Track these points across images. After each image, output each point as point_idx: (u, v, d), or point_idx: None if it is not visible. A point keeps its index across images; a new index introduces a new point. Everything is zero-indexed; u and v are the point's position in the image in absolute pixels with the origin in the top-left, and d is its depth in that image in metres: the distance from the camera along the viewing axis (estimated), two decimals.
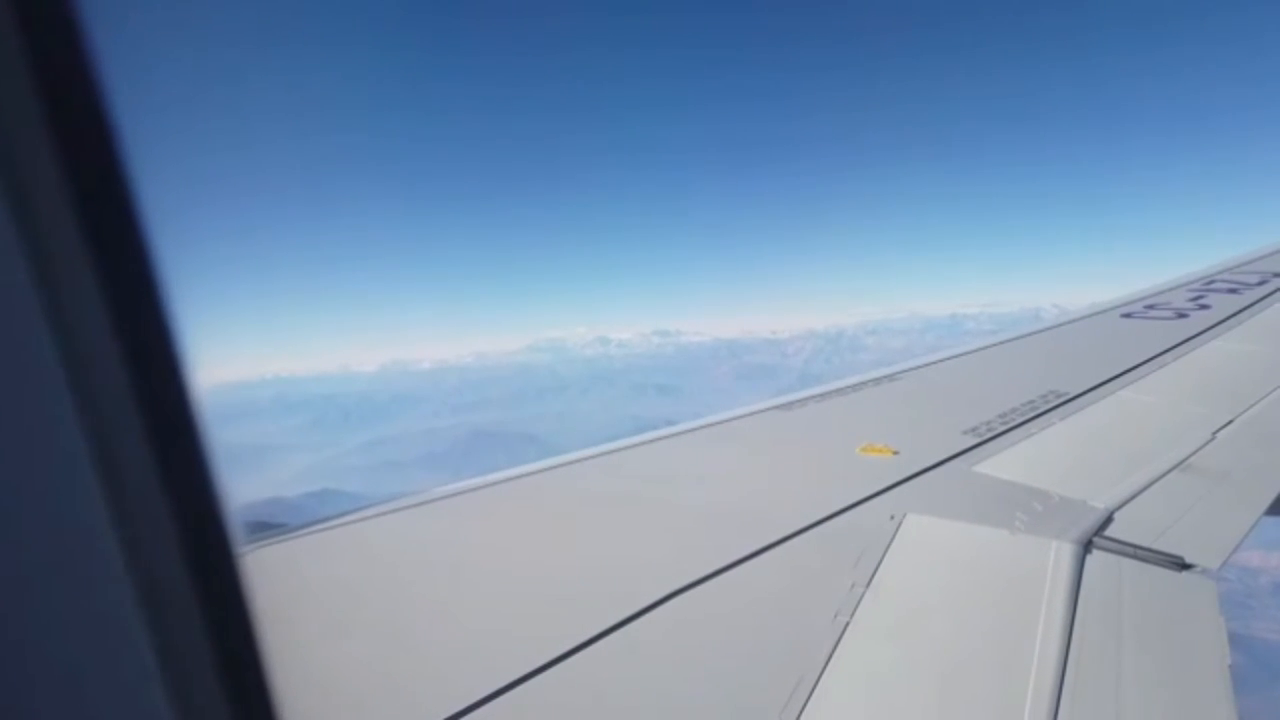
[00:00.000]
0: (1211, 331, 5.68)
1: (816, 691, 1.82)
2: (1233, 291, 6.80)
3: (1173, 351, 5.23)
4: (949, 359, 5.61)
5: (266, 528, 2.77)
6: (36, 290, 0.45)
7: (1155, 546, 2.66)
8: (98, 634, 0.50)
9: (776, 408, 4.46)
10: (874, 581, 2.33)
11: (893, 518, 2.78)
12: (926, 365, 5.43)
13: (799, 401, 4.55)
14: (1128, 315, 6.48)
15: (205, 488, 0.54)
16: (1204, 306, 6.39)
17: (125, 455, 0.49)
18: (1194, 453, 3.57)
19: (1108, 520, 2.84)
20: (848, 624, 2.10)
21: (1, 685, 0.46)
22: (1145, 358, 5.07)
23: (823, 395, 4.67)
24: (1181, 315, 6.21)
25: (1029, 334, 6.31)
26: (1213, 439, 3.76)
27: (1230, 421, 3.99)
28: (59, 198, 0.46)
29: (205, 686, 0.54)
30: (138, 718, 0.51)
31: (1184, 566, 2.56)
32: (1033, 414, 4.04)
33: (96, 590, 0.49)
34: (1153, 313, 6.45)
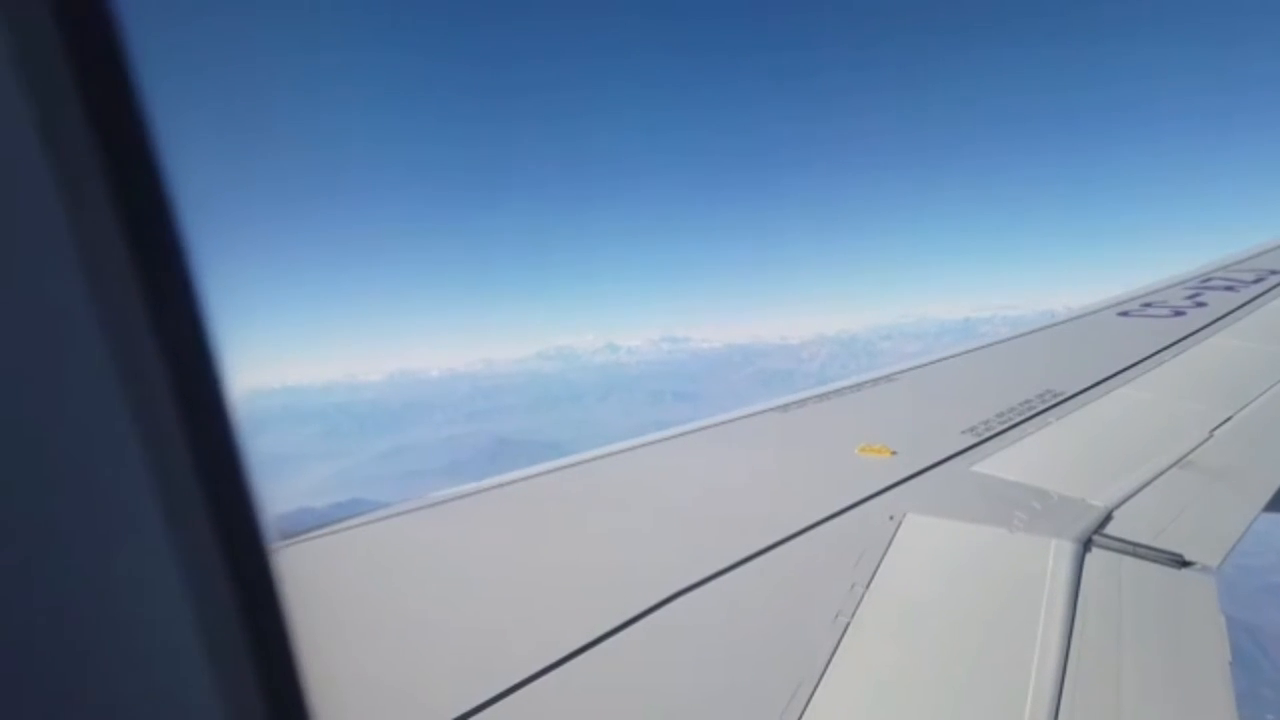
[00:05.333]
0: (1209, 329, 5.69)
1: (818, 692, 1.82)
2: (1229, 289, 6.81)
3: (1170, 349, 5.24)
4: (946, 359, 5.62)
5: (292, 535, 2.78)
6: (86, 299, 0.48)
7: (1154, 544, 2.66)
8: (144, 629, 0.52)
9: (775, 409, 4.46)
10: (874, 582, 2.33)
11: (892, 518, 2.78)
12: (924, 365, 5.44)
13: (798, 403, 4.55)
14: (1124, 314, 6.49)
15: (242, 487, 0.56)
16: (1201, 304, 6.41)
17: (170, 457, 0.52)
18: (1192, 450, 3.58)
19: (1107, 518, 2.85)
20: (848, 624, 2.10)
21: (54, 680, 0.48)
22: (1142, 356, 5.08)
23: (821, 396, 4.67)
24: (1178, 313, 6.23)
25: (1026, 333, 6.32)
26: (1211, 436, 3.76)
27: (1228, 419, 4.00)
28: (106, 206, 0.48)
29: (244, 683, 0.56)
30: (182, 708, 0.54)
31: (1184, 564, 2.56)
32: (1031, 413, 4.05)
33: (143, 592, 0.51)
34: (1150, 311, 6.47)
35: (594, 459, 3.66)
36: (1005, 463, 3.39)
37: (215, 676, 0.54)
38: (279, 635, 0.60)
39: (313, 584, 2.38)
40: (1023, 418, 3.98)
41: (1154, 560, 2.58)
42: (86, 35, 0.48)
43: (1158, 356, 5.10)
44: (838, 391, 4.77)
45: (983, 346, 5.92)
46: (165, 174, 0.51)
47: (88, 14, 0.48)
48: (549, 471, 3.50)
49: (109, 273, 0.49)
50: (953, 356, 5.70)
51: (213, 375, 0.54)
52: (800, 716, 1.74)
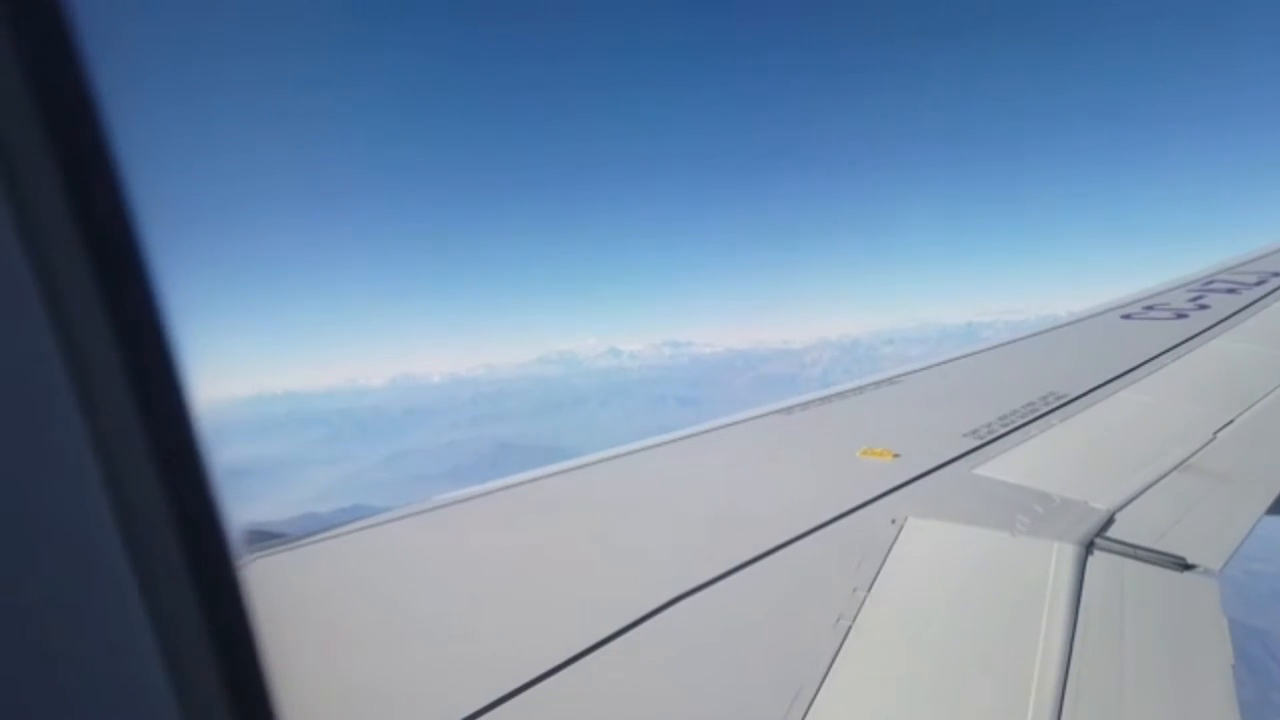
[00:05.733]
0: (1211, 331, 5.68)
1: (819, 697, 1.82)
2: (1231, 292, 6.80)
3: (1172, 352, 5.23)
4: (948, 362, 5.62)
5: (295, 540, 2.79)
6: (43, 306, 0.46)
7: (1157, 547, 2.66)
8: (102, 644, 0.51)
9: (777, 412, 4.46)
10: (876, 585, 2.33)
11: (894, 521, 2.78)
12: (926, 369, 5.44)
13: (799, 406, 4.55)
14: (1127, 316, 6.49)
15: (205, 497, 0.55)
16: (1203, 307, 6.40)
17: (129, 467, 0.50)
18: (1195, 453, 3.57)
19: (1109, 521, 2.84)
20: (850, 628, 2.10)
21: (12, 692, 0.47)
22: (1145, 358, 5.07)
23: (823, 399, 4.67)
24: (1181, 316, 6.22)
25: (1028, 336, 6.32)
26: (1213, 439, 3.76)
27: (1231, 421, 3.99)
28: (60, 212, 0.47)
29: (208, 695, 0.55)
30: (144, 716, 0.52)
31: (1186, 567, 2.55)
32: (1033, 416, 4.04)
33: (101, 599, 0.50)
34: (1152, 313, 6.46)
35: (596, 463, 3.67)
36: (1007, 466, 3.39)
37: (177, 686, 0.53)
38: (245, 645, 0.59)
39: (316, 588, 2.39)
40: (1025, 420, 3.97)
41: (1156, 563, 2.58)
42: (44, 35, 0.46)
43: (1160, 359, 5.09)
44: (839, 394, 4.77)
45: (985, 349, 5.92)
46: (125, 177, 0.50)
47: (47, 18, 0.46)
48: (551, 475, 3.50)
49: (67, 282, 0.47)
50: (955, 359, 5.70)
51: (175, 383, 0.53)
52: None
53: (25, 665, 0.47)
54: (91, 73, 0.48)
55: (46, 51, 0.47)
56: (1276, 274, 7.26)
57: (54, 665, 0.48)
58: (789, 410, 4.48)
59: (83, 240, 0.48)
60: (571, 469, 3.59)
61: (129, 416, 0.50)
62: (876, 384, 5.00)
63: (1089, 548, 2.61)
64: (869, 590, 2.30)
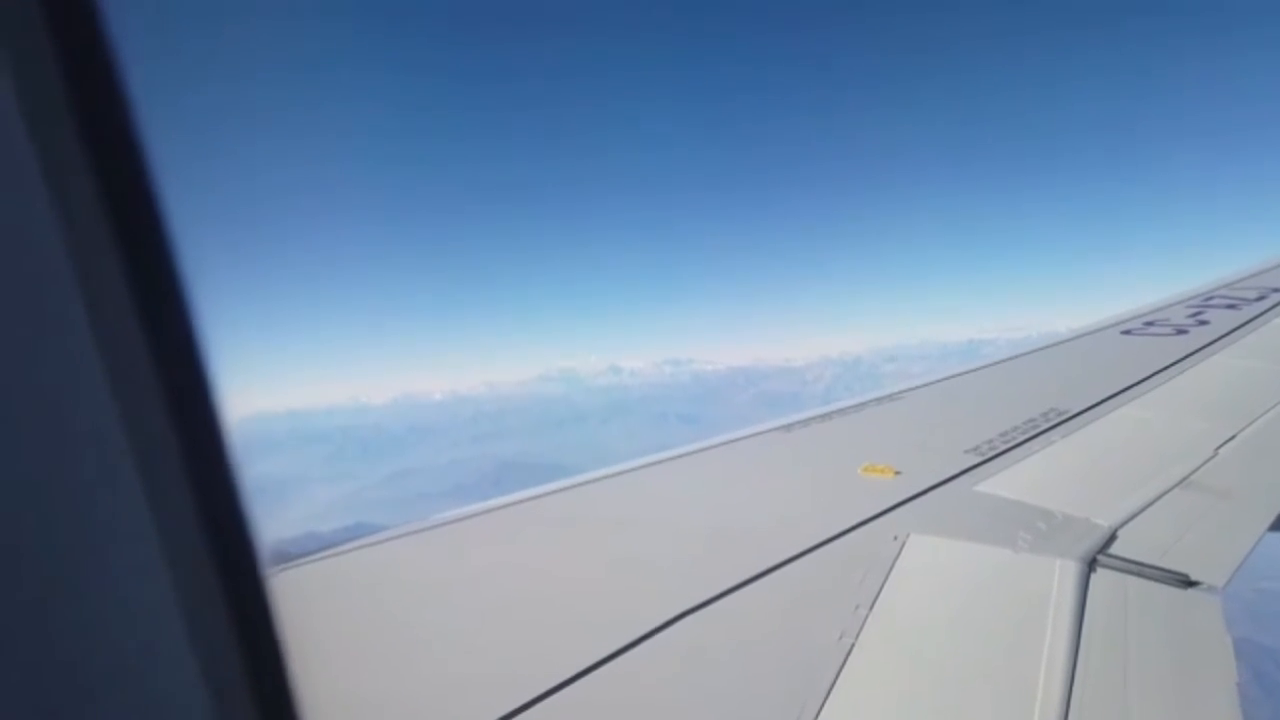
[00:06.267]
0: (1211, 347, 5.69)
1: (823, 714, 1.82)
2: (1232, 307, 6.81)
3: (1173, 368, 5.23)
4: (950, 379, 5.63)
5: (298, 558, 2.80)
6: (85, 314, 0.49)
7: (1160, 564, 2.65)
8: (140, 651, 0.52)
9: (778, 429, 4.47)
10: (878, 602, 2.33)
11: (896, 538, 2.78)
12: (927, 385, 5.45)
13: (800, 423, 4.56)
14: (1127, 332, 6.50)
15: (236, 507, 0.57)
16: (1203, 323, 6.41)
17: (164, 479, 0.52)
18: (1197, 469, 3.57)
19: (1111, 538, 2.84)
20: (853, 645, 2.10)
21: (50, 690, 0.49)
22: (1146, 374, 5.07)
23: (824, 416, 4.68)
24: (1181, 331, 6.23)
25: (1029, 353, 6.33)
26: (1215, 455, 3.75)
27: (1232, 437, 3.99)
28: (100, 225, 0.49)
29: (238, 702, 0.57)
30: None
31: (1189, 584, 2.55)
32: (1034, 432, 4.04)
33: (139, 611, 0.52)
34: (1152, 329, 6.47)
35: (597, 480, 3.67)
36: (1009, 482, 3.39)
37: (209, 696, 0.54)
38: (274, 656, 0.60)
39: (319, 606, 2.39)
40: (1026, 437, 3.98)
41: (1159, 580, 2.57)
42: (80, 51, 0.48)
43: (1161, 375, 5.10)
44: (840, 411, 4.78)
45: (985, 366, 5.93)
46: (162, 199, 0.52)
47: (84, 32, 0.48)
48: (552, 493, 3.51)
49: (105, 297, 0.49)
50: (955, 376, 5.70)
51: (208, 397, 0.55)
52: None
53: (70, 667, 0.49)
54: (123, 94, 0.51)
55: (85, 75, 0.49)
56: (1277, 290, 7.27)
57: (93, 672, 0.50)
58: (790, 427, 4.49)
59: (122, 263, 0.50)
60: (573, 486, 3.59)
61: (164, 427, 0.52)
62: (878, 401, 5.01)
63: (1091, 564, 2.61)
64: (871, 607, 2.30)
